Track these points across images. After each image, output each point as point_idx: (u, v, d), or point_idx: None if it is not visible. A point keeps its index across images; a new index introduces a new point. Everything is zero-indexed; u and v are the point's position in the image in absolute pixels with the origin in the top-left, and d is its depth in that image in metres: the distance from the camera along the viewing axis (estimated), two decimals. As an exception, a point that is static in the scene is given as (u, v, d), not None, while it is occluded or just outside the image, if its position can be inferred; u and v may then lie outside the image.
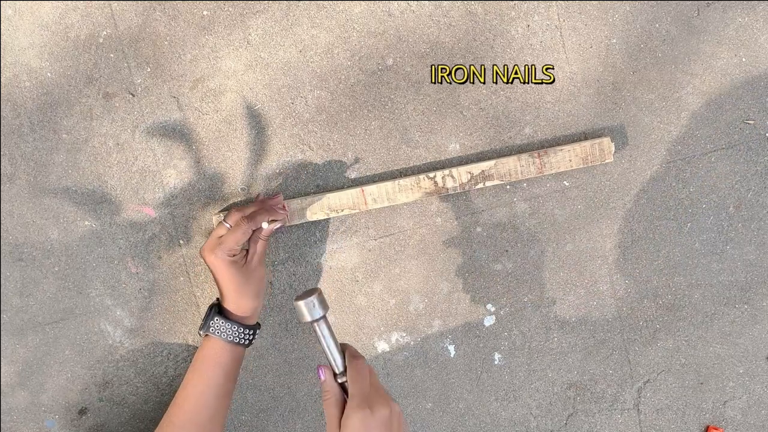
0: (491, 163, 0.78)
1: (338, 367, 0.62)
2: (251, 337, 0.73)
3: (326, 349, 0.62)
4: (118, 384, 0.81)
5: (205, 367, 0.70)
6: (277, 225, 0.74)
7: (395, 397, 0.85)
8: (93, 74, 0.76)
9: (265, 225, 0.73)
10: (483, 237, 0.83)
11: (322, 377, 0.62)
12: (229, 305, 0.71)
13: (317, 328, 0.62)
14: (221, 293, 0.72)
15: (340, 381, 0.62)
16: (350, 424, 0.57)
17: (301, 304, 0.61)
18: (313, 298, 0.61)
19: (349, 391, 0.60)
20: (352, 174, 0.80)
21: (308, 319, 0.61)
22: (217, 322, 0.70)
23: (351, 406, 0.58)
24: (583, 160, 0.79)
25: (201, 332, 0.72)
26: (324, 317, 0.62)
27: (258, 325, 0.75)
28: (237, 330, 0.71)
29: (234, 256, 0.70)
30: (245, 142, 0.79)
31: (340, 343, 0.64)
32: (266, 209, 0.74)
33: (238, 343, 0.71)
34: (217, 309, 0.72)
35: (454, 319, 0.84)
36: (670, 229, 0.84)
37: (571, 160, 0.78)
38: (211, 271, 0.71)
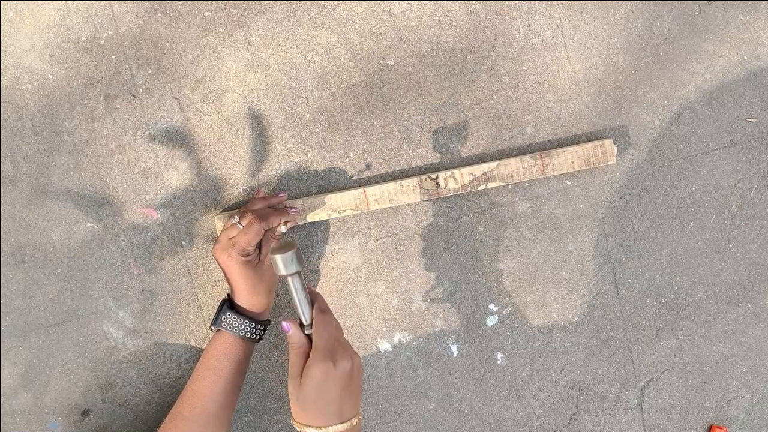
0: (493, 164, 0.78)
1: (306, 319, 0.64)
2: (262, 332, 0.73)
3: (297, 302, 0.64)
4: (121, 385, 0.81)
5: (216, 360, 0.71)
6: (291, 225, 0.75)
7: (398, 397, 0.85)
8: (94, 76, 0.76)
9: (282, 229, 0.74)
10: (485, 237, 0.83)
11: (288, 330, 0.64)
12: (242, 302, 0.72)
13: (291, 281, 0.63)
14: (233, 291, 0.72)
15: (307, 332, 0.64)
16: (312, 375, 0.59)
17: (278, 257, 0.62)
18: (291, 254, 0.62)
19: (314, 344, 0.62)
20: (354, 175, 0.80)
21: (283, 273, 0.62)
22: (229, 317, 0.71)
23: (315, 359, 0.60)
24: (586, 162, 0.79)
25: (212, 327, 0.72)
26: (298, 272, 0.63)
27: (268, 321, 0.75)
28: (248, 325, 0.71)
29: (248, 256, 0.70)
30: (247, 143, 0.79)
31: (311, 292, 0.66)
32: (279, 210, 0.74)
33: (249, 338, 0.72)
34: (229, 304, 0.72)
35: (457, 319, 0.84)
36: (672, 228, 0.84)
37: (573, 162, 0.78)
38: (224, 271, 0.72)
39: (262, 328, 0.73)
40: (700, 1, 0.80)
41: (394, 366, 0.84)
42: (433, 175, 0.78)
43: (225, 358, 0.71)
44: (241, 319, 0.71)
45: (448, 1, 0.78)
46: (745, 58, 0.82)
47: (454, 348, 0.85)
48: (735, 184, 0.84)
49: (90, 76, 0.76)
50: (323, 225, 0.81)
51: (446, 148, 0.81)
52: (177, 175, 0.79)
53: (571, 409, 0.87)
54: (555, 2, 0.79)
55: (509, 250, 0.83)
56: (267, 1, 0.77)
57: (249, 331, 0.72)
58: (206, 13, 0.77)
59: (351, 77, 0.79)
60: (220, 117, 0.78)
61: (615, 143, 0.79)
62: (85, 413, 0.81)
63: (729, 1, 0.80)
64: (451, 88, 0.80)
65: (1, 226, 0.77)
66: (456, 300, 0.84)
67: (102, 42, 0.76)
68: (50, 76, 0.76)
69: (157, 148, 0.78)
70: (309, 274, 0.82)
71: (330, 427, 0.59)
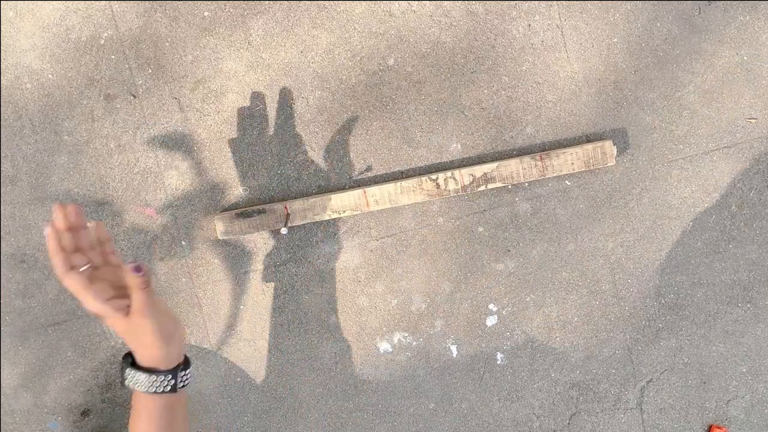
0: (493, 165, 0.78)
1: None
2: (172, 382, 0.63)
3: None
4: (121, 385, 0.81)
5: (139, 422, 0.63)
6: (137, 269, 0.60)
7: (398, 397, 0.85)
8: (94, 76, 0.76)
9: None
10: (485, 237, 0.83)
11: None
12: (136, 356, 0.63)
13: None
14: None
15: None
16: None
17: None
18: None
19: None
20: (354, 175, 0.80)
21: None
22: (130, 373, 0.62)
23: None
24: (585, 163, 0.78)
25: (122, 385, 0.64)
26: None
27: (186, 364, 0.65)
28: (150, 379, 0.61)
29: (110, 300, 0.58)
30: (247, 143, 0.79)
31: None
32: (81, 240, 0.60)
33: (158, 392, 0.62)
34: (131, 359, 0.63)
35: (456, 319, 0.84)
36: (672, 228, 0.84)
37: (573, 164, 0.78)
38: None
39: (169, 378, 0.62)
40: (700, 1, 0.80)
41: (393, 366, 0.84)
42: (433, 176, 0.78)
43: (145, 417, 0.63)
44: (140, 374, 0.61)
45: (448, 1, 0.78)
46: (745, 58, 0.82)
47: (453, 348, 0.85)
48: (735, 184, 0.84)
49: (90, 76, 0.76)
50: (323, 225, 0.81)
51: (446, 149, 0.81)
52: (177, 175, 0.79)
53: (570, 409, 0.87)
54: (555, 2, 0.79)
55: (509, 250, 0.83)
56: (267, 1, 0.77)
57: (153, 386, 0.62)
58: (206, 13, 0.77)
59: (351, 77, 0.79)
60: (219, 117, 0.78)
61: (614, 144, 0.79)
62: (85, 413, 0.81)
63: (729, 1, 0.80)
64: (451, 88, 0.80)
65: (1, 226, 0.77)
66: (456, 300, 0.84)
67: (102, 42, 0.76)
68: (50, 76, 0.76)
69: (156, 148, 0.78)
70: (308, 274, 0.82)
71: None
